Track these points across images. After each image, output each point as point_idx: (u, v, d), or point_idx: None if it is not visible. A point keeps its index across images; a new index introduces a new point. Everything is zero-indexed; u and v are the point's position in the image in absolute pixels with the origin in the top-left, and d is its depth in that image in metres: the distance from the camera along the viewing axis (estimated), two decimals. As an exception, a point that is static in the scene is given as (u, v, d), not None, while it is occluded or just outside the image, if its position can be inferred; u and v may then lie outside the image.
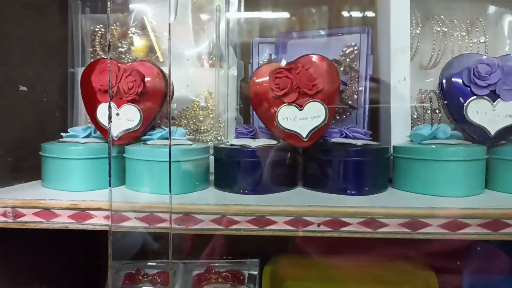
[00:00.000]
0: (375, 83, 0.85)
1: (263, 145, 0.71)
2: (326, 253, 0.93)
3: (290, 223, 0.61)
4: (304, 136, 0.71)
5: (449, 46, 0.83)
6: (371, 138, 0.75)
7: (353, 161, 0.69)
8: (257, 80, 0.73)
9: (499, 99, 0.69)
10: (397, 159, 0.74)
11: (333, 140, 0.73)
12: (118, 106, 0.74)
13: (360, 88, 0.83)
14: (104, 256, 0.93)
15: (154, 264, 1.01)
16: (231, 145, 0.73)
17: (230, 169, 0.72)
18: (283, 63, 0.71)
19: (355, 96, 0.83)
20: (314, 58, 0.73)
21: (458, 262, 0.90)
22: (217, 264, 1.00)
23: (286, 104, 0.71)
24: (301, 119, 0.71)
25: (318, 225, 0.61)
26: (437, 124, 0.75)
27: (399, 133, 0.79)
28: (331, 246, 0.90)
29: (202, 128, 0.90)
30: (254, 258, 0.97)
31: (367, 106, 0.83)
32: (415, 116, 0.83)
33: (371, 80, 0.84)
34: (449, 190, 0.67)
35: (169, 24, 0.65)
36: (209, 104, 0.90)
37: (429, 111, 0.82)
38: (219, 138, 0.90)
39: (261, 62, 0.95)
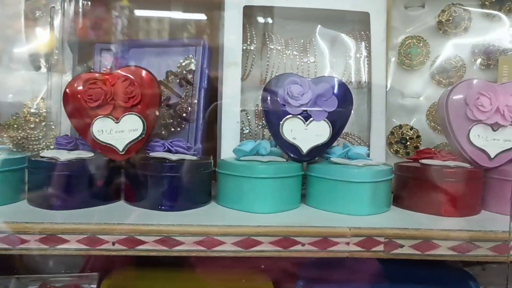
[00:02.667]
0: (214, 96, 0.85)
1: (74, 158, 0.68)
2: (173, 267, 0.92)
3: (83, 241, 0.59)
4: (121, 149, 0.70)
5: (283, 63, 0.85)
6: (195, 153, 0.75)
7: (167, 176, 0.68)
8: (72, 90, 0.70)
9: (311, 119, 0.72)
10: (219, 174, 0.74)
11: (152, 154, 0.71)
12: None
13: (195, 101, 0.83)
14: None
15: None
16: (41, 157, 0.69)
17: (38, 182, 0.68)
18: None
19: (190, 109, 0.83)
20: (134, 70, 0.71)
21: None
22: (55, 278, 0.95)
23: (101, 116, 0.69)
24: (118, 132, 0.70)
25: (113, 243, 0.59)
26: (260, 140, 0.76)
27: (229, 148, 0.79)
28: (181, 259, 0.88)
29: (33, 136, 0.84)
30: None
31: (200, 119, 0.82)
32: (247, 131, 0.84)
33: (211, 93, 0.84)
34: (260, 206, 0.69)
35: None
36: (41, 111, 0.85)
37: (260, 126, 0.84)
38: (52, 147, 0.85)
39: (104, 69, 0.91)
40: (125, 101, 0.69)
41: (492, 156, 0.72)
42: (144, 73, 0.71)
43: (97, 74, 0.69)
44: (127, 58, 0.88)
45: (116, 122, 0.69)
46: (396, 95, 0.92)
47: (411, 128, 0.91)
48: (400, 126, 0.92)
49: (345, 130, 0.86)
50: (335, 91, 0.73)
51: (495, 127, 0.72)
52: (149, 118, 0.71)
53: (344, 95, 0.73)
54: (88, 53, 0.91)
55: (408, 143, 0.91)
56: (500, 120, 0.71)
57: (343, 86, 0.74)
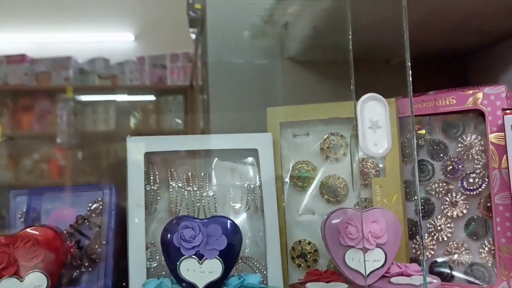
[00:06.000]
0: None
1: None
2: None
3: None
4: (27, 306, 0.75)
5: (185, 199, 0.94)
6: (100, 297, 0.81)
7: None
8: (-23, 254, 0.75)
9: (204, 257, 0.80)
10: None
11: (57, 306, 0.77)
12: None
13: (104, 242, 0.90)
14: None
15: None
16: None
17: None
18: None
19: (99, 250, 0.89)
20: (39, 228, 0.78)
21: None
22: None
23: (6, 277, 0.75)
24: (22, 289, 0.75)
25: None
26: (162, 278, 0.83)
27: (138, 286, 0.85)
28: None
29: None
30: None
31: (110, 258, 0.89)
32: (156, 265, 0.91)
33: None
34: None
35: None
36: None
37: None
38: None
39: (20, 212, 0.97)
40: (28, 261, 0.75)
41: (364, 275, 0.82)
42: (48, 231, 0.78)
43: (2, 239, 0.76)
44: (41, 203, 0.94)
45: (21, 281, 0.75)
46: (293, 214, 1.03)
47: (309, 243, 1.01)
48: (300, 242, 1.01)
49: (246, 255, 0.95)
50: (225, 230, 0.82)
51: (364, 250, 0.82)
52: (54, 271, 0.77)
53: (233, 232, 0.82)
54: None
55: (308, 256, 1.00)
56: (366, 245, 0.81)
57: (232, 224, 0.83)
